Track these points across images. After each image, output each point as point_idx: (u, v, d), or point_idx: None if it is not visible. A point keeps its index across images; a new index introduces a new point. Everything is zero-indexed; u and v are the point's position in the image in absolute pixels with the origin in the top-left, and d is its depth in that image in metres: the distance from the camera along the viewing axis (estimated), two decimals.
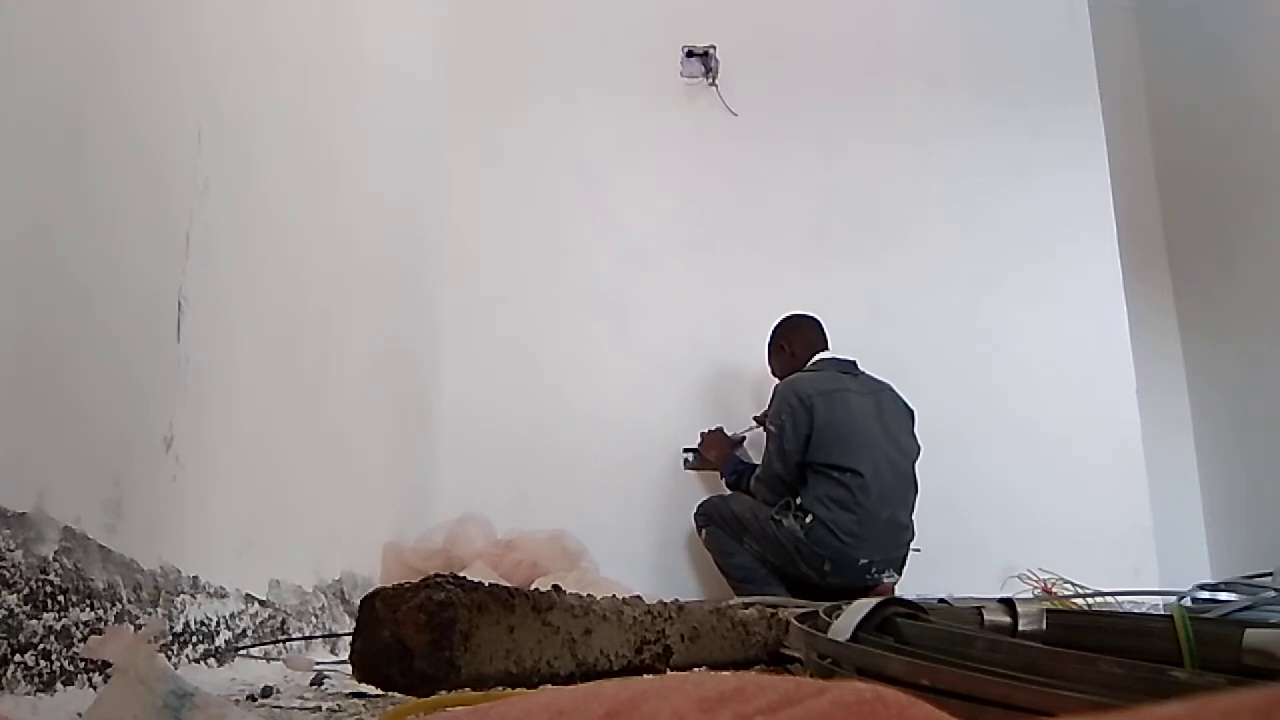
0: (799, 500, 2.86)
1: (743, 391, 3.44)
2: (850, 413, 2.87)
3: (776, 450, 2.91)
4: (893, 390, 3.01)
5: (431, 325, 3.27)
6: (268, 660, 1.39)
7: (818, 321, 3.12)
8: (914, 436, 2.98)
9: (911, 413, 3.00)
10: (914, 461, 2.95)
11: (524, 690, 0.95)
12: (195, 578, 1.20)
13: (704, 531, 3.05)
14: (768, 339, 3.15)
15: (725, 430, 3.30)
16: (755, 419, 3.21)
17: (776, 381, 3.10)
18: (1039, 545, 3.09)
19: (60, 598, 0.87)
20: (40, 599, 0.84)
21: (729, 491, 3.15)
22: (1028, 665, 0.73)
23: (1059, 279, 3.60)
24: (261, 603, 1.44)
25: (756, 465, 3.05)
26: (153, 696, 0.66)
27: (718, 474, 3.31)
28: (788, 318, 3.15)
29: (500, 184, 3.58)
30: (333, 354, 1.91)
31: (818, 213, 3.63)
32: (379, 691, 1.03)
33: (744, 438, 3.28)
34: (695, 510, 3.09)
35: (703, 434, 3.32)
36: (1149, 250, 4.10)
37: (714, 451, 3.27)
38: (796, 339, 3.09)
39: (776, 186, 3.64)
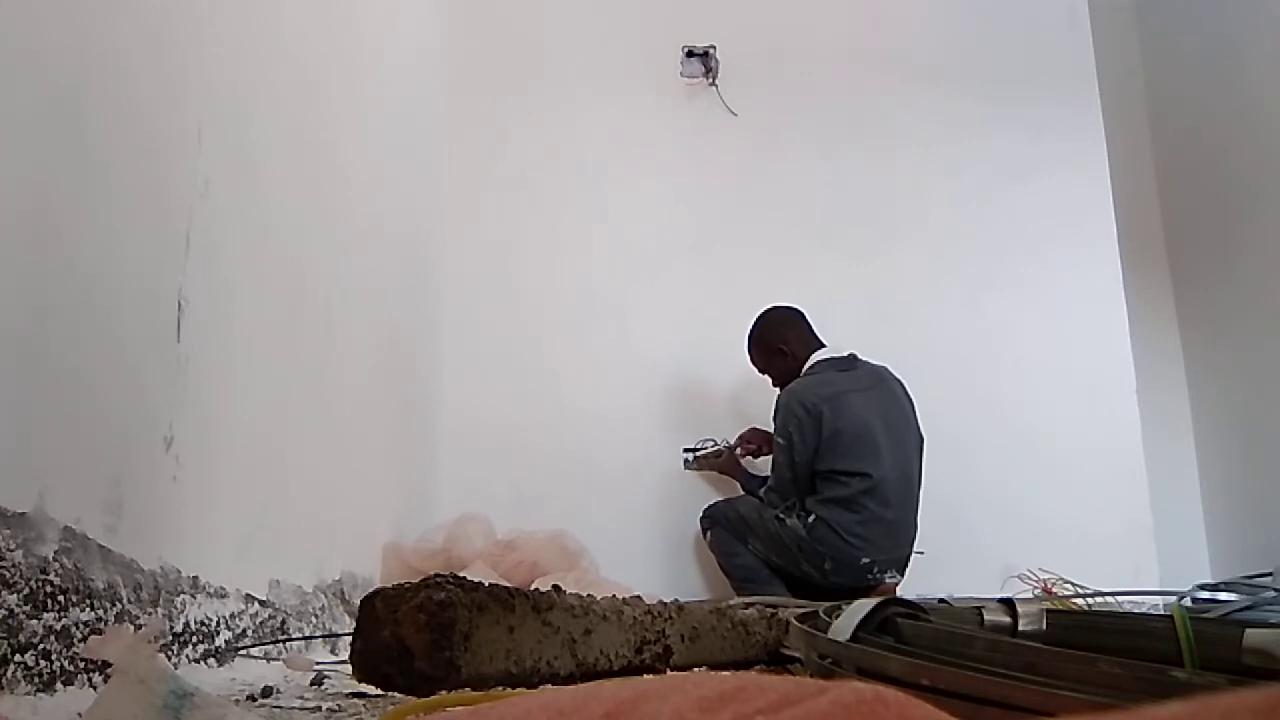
0: (804, 501, 2.85)
1: (743, 391, 3.43)
2: (855, 415, 2.84)
3: (786, 462, 2.87)
4: (892, 378, 2.97)
5: (431, 325, 3.27)
6: (268, 660, 1.39)
7: (802, 313, 3.06)
8: (917, 427, 2.95)
9: (912, 401, 2.97)
10: (919, 455, 2.93)
11: (524, 690, 0.95)
12: (195, 578, 1.20)
13: (709, 534, 3.04)
14: (752, 337, 3.08)
15: (736, 451, 3.30)
16: (731, 444, 3.25)
17: (765, 379, 3.09)
18: (1039, 545, 3.09)
19: (60, 598, 0.87)
20: (40, 599, 0.84)
21: (732, 495, 3.15)
22: (1028, 665, 0.73)
23: (1059, 279, 3.60)
24: (261, 603, 1.44)
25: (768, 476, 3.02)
26: (153, 696, 0.66)
27: (718, 474, 3.32)
28: (774, 316, 3.06)
29: (500, 184, 3.58)
30: (333, 354, 1.91)
31: (818, 213, 3.62)
32: (379, 691, 1.03)
33: (721, 451, 3.30)
34: (701, 514, 3.08)
35: (723, 462, 3.32)
36: (1149, 250, 4.09)
37: (733, 477, 3.26)
38: (794, 340, 3.02)
39: (776, 187, 3.63)
